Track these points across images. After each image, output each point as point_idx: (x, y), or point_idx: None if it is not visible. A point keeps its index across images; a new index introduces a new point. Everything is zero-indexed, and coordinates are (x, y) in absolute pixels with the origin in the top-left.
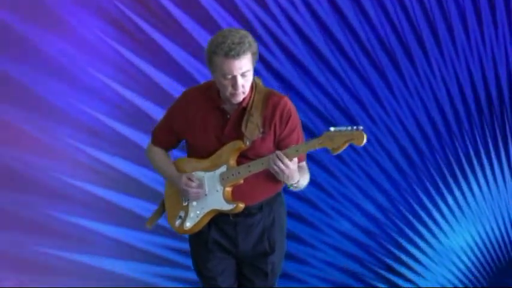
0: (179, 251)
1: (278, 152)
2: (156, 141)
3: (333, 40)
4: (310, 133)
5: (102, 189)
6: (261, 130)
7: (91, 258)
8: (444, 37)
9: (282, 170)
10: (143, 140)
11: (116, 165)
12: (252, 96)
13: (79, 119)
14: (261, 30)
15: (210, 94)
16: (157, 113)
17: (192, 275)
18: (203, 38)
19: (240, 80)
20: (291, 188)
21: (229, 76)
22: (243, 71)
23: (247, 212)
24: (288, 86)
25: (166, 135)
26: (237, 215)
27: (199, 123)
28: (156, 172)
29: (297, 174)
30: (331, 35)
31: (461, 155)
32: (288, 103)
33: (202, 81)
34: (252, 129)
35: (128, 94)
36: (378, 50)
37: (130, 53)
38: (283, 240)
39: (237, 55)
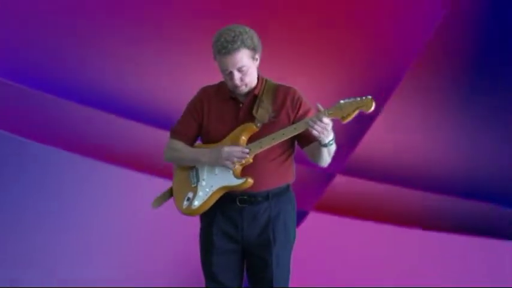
0: None
1: (311, 117)
2: (176, 134)
3: None
4: None
5: None
6: (272, 114)
7: None
8: None
9: (324, 128)
10: None
11: None
12: (263, 85)
13: None
14: None
15: (223, 87)
16: None
17: None
18: None
19: (237, 75)
20: (328, 147)
21: (226, 72)
22: (238, 66)
23: (253, 199)
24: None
25: (187, 125)
26: (243, 201)
27: (216, 112)
28: (181, 163)
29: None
30: None
31: None
32: (297, 91)
33: None
34: (263, 113)
35: None
36: None
37: None
38: (286, 236)
39: (229, 53)
